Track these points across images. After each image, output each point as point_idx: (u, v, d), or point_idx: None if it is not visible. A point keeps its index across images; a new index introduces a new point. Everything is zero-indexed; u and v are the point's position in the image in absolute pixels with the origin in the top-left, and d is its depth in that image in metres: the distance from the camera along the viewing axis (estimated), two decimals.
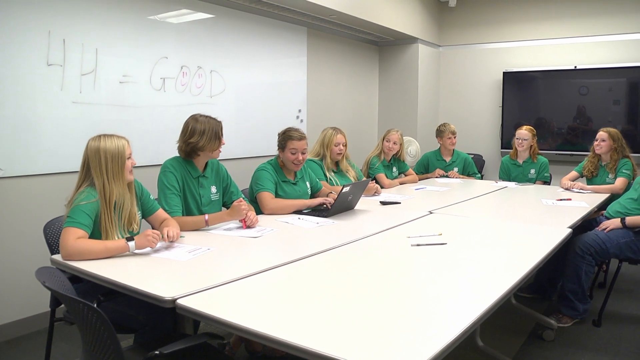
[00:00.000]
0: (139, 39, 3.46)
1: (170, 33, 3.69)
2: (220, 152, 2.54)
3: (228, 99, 4.20)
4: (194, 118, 2.47)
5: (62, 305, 1.77)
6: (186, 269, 1.81)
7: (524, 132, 4.33)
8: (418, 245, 2.14)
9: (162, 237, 2.04)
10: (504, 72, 5.92)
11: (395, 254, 2.07)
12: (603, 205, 3.42)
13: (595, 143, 3.90)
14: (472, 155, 5.29)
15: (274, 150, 3.04)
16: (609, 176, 3.85)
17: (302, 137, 2.90)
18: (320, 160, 3.51)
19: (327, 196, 3.05)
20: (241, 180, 3.15)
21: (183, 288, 1.56)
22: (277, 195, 2.89)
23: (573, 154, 5.55)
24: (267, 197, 2.81)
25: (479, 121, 6.23)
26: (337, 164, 3.59)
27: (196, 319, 1.49)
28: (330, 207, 2.82)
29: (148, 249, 1.97)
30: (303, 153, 2.92)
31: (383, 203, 3.19)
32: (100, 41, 3.22)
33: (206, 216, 2.38)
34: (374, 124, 6.29)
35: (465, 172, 4.66)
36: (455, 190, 3.90)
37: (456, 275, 1.78)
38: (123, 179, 2.04)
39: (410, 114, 6.06)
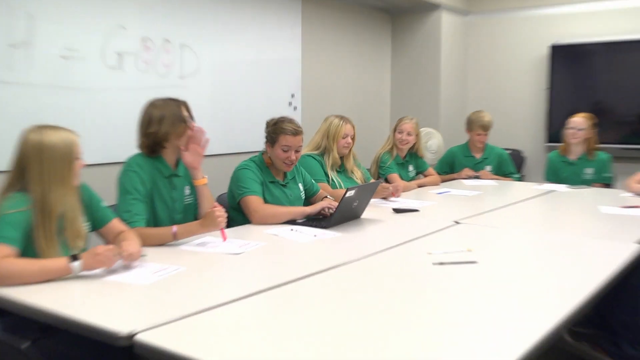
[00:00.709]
0: (88, 3, 3.45)
1: None
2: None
3: (203, 80, 4.19)
4: (151, 104, 2.53)
5: None
6: (149, 296, 1.80)
7: (580, 120, 4.31)
8: (441, 263, 2.14)
9: (120, 254, 2.01)
10: (552, 46, 5.89)
11: (412, 275, 2.06)
12: None
13: None
14: (509, 151, 5.28)
15: (260, 145, 3.04)
16: None
17: (297, 132, 2.91)
18: (320, 155, 3.50)
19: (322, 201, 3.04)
20: (220, 183, 3.13)
21: (144, 320, 1.55)
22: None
23: None
24: (256, 202, 2.81)
25: (517, 108, 6.23)
26: (341, 160, 3.58)
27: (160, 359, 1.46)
28: (330, 216, 2.81)
29: (99, 270, 1.95)
30: (297, 151, 2.94)
31: (397, 211, 3.19)
32: (36, 4, 3.20)
33: (174, 228, 2.37)
34: (385, 112, 6.28)
35: (501, 172, 4.66)
36: (487, 195, 3.91)
37: (489, 302, 1.78)
38: (70, 185, 2.03)
39: (431, 100, 6.05)
